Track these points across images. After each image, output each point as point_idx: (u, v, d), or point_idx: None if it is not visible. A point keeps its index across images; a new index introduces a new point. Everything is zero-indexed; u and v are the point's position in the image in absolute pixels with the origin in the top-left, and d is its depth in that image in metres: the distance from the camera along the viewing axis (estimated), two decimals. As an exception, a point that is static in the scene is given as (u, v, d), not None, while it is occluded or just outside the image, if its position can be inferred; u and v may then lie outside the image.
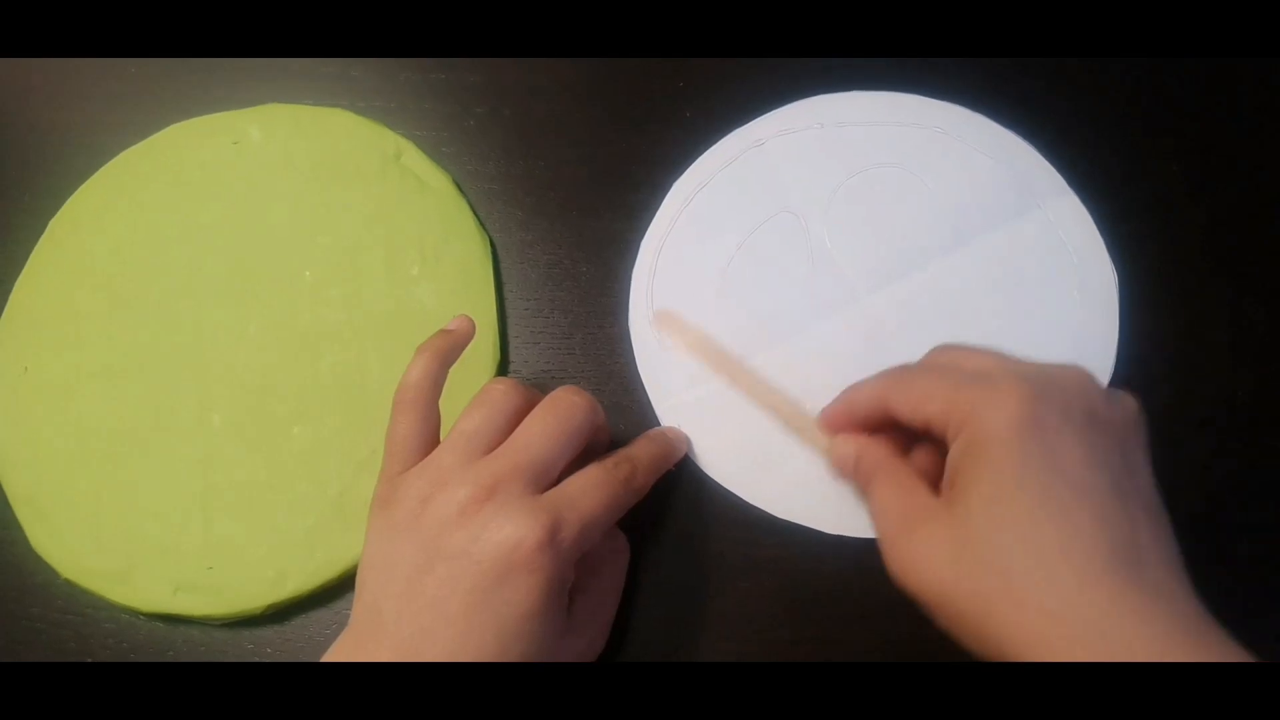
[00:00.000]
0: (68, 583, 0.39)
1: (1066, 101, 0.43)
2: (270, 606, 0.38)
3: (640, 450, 0.35)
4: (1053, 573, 0.26)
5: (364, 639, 0.31)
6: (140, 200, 0.44)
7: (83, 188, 0.45)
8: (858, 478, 0.34)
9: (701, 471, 0.38)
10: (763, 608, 0.37)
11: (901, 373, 0.33)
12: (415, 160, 0.44)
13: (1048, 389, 0.29)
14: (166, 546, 0.39)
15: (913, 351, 0.35)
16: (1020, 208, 0.41)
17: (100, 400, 0.41)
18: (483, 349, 0.40)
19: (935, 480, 0.32)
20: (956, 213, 0.41)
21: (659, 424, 0.39)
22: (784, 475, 0.38)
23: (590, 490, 0.32)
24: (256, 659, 0.38)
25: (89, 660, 0.39)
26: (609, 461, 0.34)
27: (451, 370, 0.36)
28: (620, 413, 0.40)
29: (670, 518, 0.38)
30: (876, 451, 0.34)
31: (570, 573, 0.31)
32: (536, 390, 0.35)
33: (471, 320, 0.37)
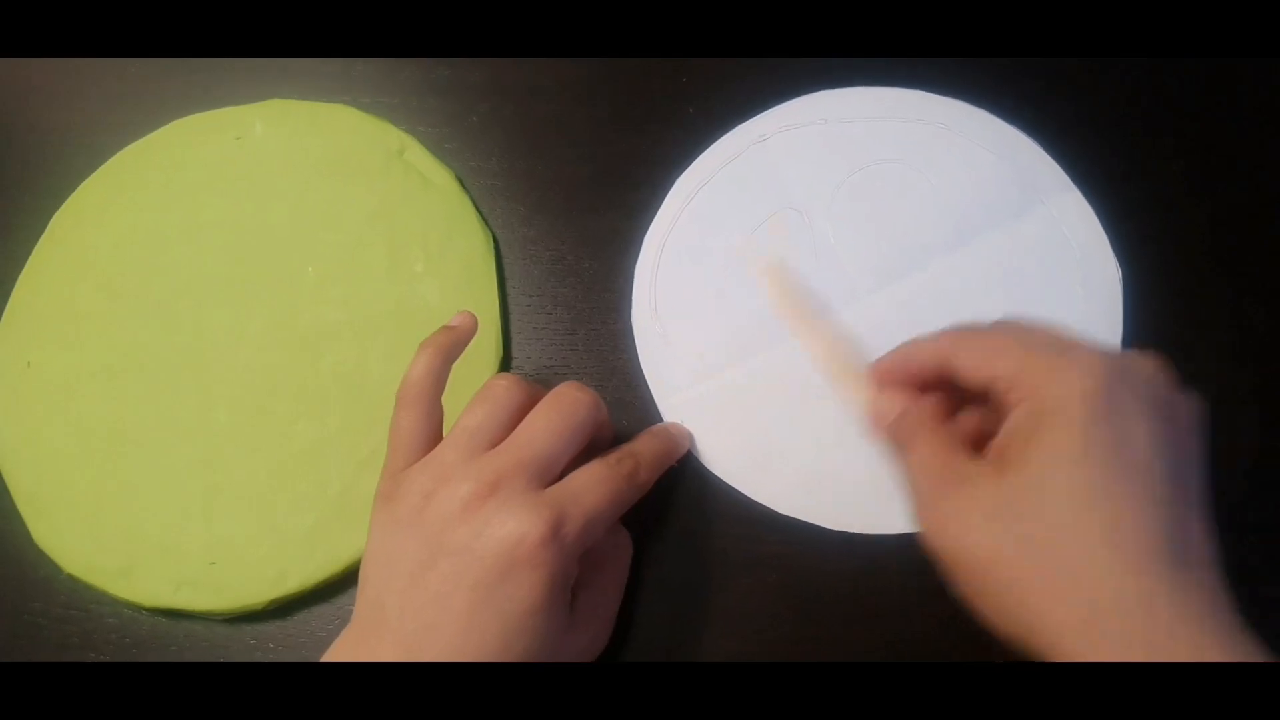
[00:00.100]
0: (70, 578, 0.39)
1: (1067, 101, 0.43)
2: (272, 602, 0.38)
3: (643, 446, 0.35)
4: (1097, 555, 0.26)
5: (367, 634, 0.31)
6: (142, 197, 0.44)
7: (84, 184, 0.45)
8: (897, 435, 0.33)
9: (704, 467, 0.38)
10: (765, 604, 0.37)
11: (972, 329, 0.32)
12: (418, 156, 0.44)
13: (1126, 370, 0.29)
14: (167, 545, 0.39)
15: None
16: (1024, 204, 0.41)
17: (102, 397, 0.41)
18: (485, 345, 0.40)
19: (974, 450, 0.31)
20: (960, 208, 0.41)
21: (662, 420, 0.39)
22: (787, 471, 0.38)
23: (593, 486, 0.32)
24: (259, 654, 0.38)
25: (92, 655, 0.39)
26: (612, 457, 0.34)
27: (454, 366, 0.36)
28: (623, 409, 0.40)
29: (673, 514, 0.38)
30: (922, 410, 0.33)
31: (573, 568, 0.31)
32: (539, 386, 0.35)
33: (474, 316, 0.37)
